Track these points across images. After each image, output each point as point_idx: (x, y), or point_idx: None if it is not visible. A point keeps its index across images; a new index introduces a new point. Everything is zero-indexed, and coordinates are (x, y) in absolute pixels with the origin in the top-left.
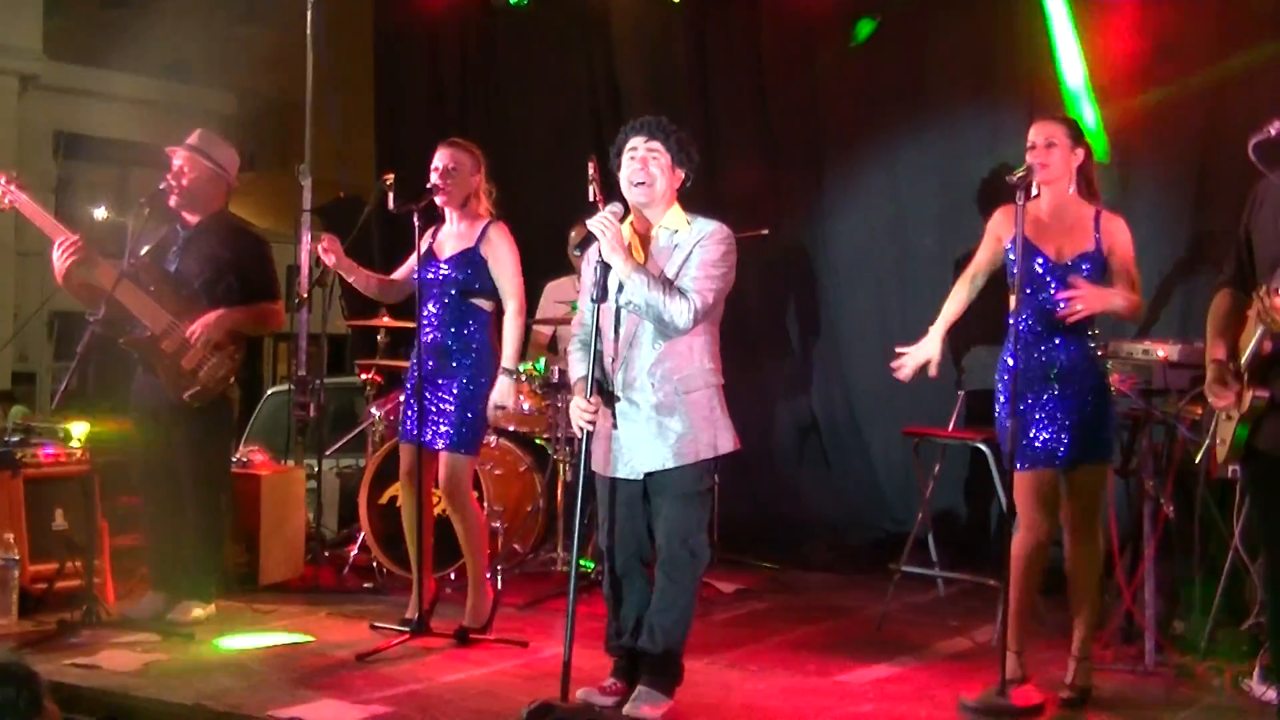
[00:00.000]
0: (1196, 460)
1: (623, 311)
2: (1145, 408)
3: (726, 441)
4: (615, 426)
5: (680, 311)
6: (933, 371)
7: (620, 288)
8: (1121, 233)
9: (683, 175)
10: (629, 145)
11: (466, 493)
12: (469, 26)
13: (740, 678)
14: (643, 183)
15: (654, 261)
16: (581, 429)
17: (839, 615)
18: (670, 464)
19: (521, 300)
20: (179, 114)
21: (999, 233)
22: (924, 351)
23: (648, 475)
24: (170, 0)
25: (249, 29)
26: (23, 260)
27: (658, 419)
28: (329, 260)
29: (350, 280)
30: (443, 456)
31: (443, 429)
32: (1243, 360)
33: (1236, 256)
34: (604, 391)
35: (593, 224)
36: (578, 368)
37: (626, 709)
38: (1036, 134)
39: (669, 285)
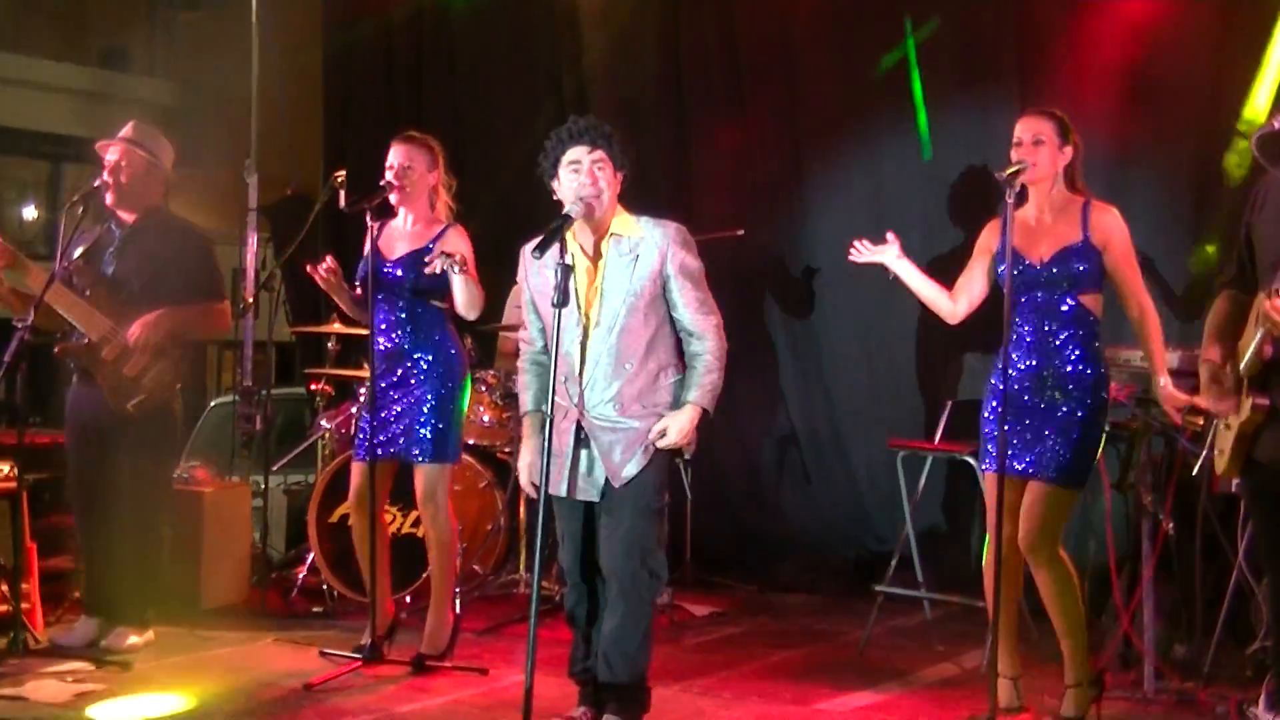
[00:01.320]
0: (1194, 473)
1: (591, 326)
2: (1143, 417)
3: (689, 450)
4: (580, 445)
5: (721, 353)
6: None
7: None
8: (1117, 225)
9: (622, 176)
10: (568, 157)
11: (445, 505)
12: (424, 14)
13: (713, 706)
14: (592, 196)
15: (611, 275)
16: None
17: (818, 639)
18: (633, 472)
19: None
20: (115, 105)
21: (989, 245)
22: (887, 255)
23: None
24: None
25: (191, 15)
26: None
27: (624, 440)
28: (330, 279)
29: (337, 299)
30: (421, 468)
31: (420, 437)
32: (1242, 365)
33: (1238, 257)
34: (559, 408)
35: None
36: (527, 394)
37: None
38: (1024, 130)
39: (707, 365)
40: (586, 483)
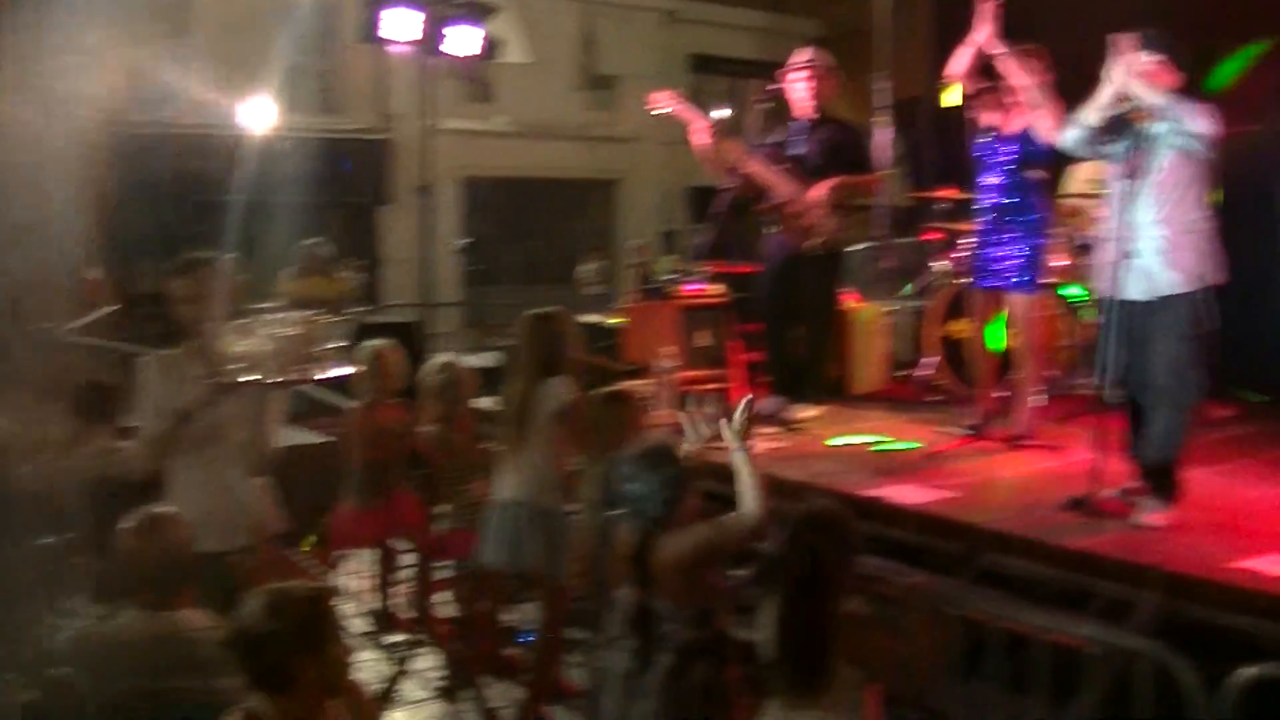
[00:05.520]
0: None
1: (1147, 150)
2: None
3: (1216, 274)
4: (1129, 256)
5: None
6: None
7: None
8: None
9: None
10: None
11: (1034, 323)
12: None
13: (1230, 485)
14: None
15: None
16: None
17: None
18: (1179, 289)
19: None
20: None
21: None
22: None
23: (1146, 310)
24: None
25: None
26: (669, 148)
27: (1164, 253)
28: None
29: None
30: (1016, 296)
31: (1017, 272)
32: None
33: None
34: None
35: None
36: None
37: (1130, 518)
38: None
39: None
40: (1134, 286)
